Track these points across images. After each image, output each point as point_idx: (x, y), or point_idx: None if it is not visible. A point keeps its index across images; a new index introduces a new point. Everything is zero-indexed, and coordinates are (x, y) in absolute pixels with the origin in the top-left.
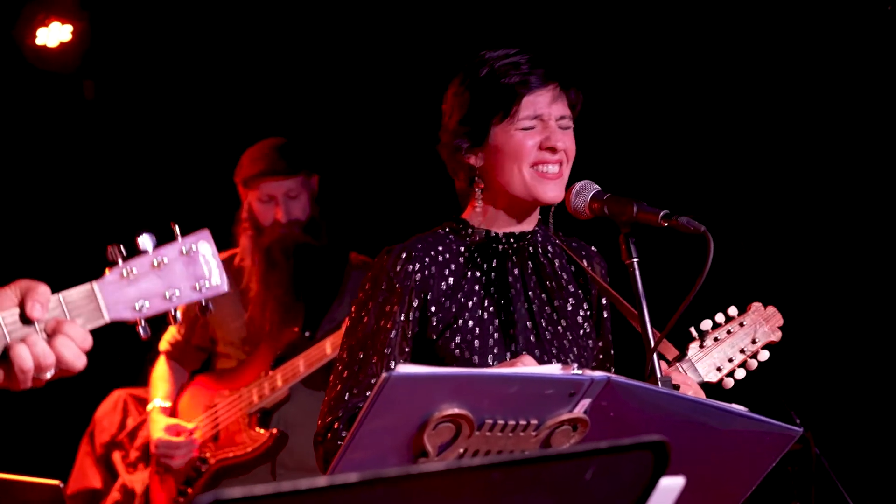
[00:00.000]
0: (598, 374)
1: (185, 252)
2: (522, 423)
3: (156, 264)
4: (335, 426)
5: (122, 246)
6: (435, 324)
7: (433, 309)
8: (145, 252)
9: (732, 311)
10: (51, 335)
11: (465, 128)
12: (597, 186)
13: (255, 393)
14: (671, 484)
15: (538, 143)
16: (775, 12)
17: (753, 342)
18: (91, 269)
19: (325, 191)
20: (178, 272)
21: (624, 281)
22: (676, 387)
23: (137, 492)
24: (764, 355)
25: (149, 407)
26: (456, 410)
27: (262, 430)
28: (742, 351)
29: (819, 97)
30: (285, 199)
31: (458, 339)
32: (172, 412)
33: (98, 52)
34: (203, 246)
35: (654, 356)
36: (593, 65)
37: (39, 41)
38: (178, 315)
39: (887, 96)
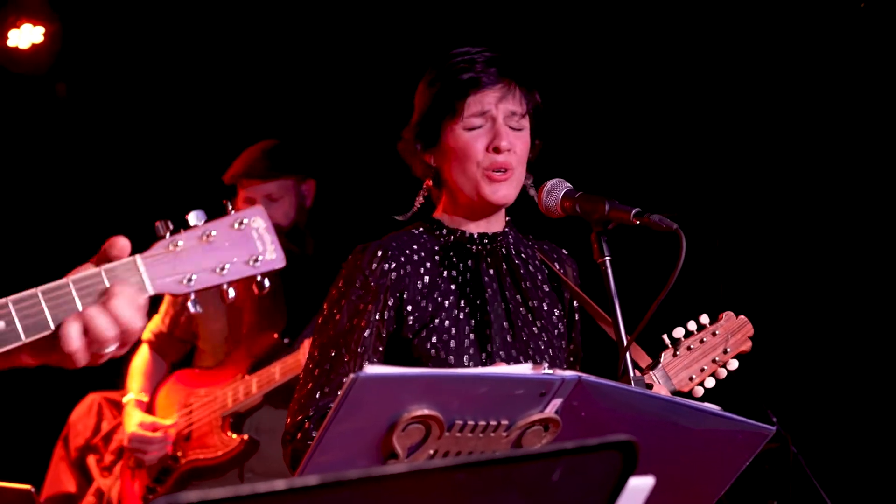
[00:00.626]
0: (569, 373)
1: (236, 227)
2: (493, 423)
3: (204, 238)
4: (305, 426)
5: (169, 221)
6: (411, 323)
7: (409, 308)
8: (193, 227)
9: (704, 319)
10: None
11: (418, 128)
12: (568, 185)
13: (229, 396)
14: (641, 484)
15: (486, 145)
16: (746, 9)
17: (725, 352)
18: (68, 267)
19: (324, 197)
20: (229, 246)
21: (597, 280)
22: (650, 386)
23: (112, 496)
24: (733, 364)
25: (125, 399)
26: (425, 411)
27: (233, 435)
28: (714, 360)
29: (796, 95)
30: (265, 201)
31: (434, 339)
32: (149, 405)
33: (70, 54)
34: (256, 221)
35: (627, 355)
36: (564, 64)
37: (11, 43)
38: (232, 291)
39: (862, 95)
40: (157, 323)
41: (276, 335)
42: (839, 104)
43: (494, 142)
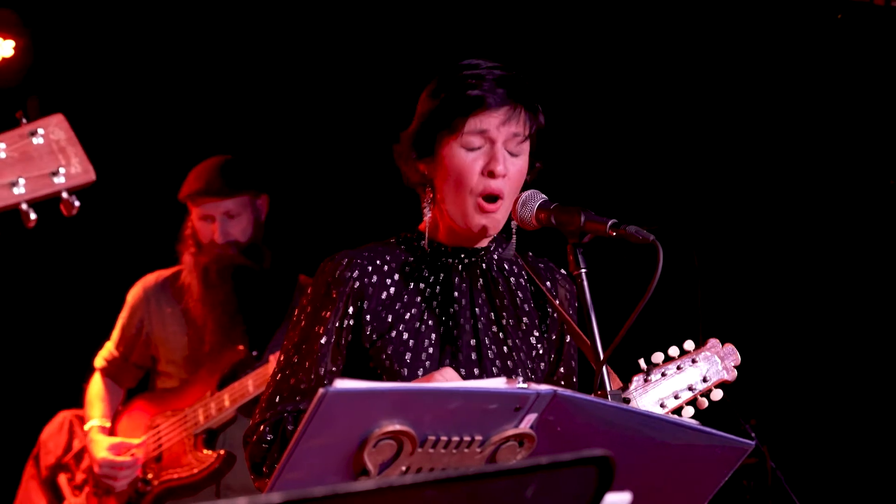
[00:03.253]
0: (544, 387)
1: (31, 139)
2: (467, 438)
3: None
4: (261, 428)
5: None
6: (369, 332)
7: (368, 318)
8: None
9: (689, 345)
10: None
11: (417, 136)
12: (543, 196)
13: (200, 413)
14: (617, 500)
15: (482, 168)
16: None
17: (704, 380)
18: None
19: (277, 212)
20: (22, 160)
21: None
22: (627, 401)
23: None
24: (717, 395)
25: (87, 426)
26: (397, 427)
27: (209, 451)
28: (690, 388)
29: (775, 110)
30: (223, 218)
31: (389, 350)
32: (111, 433)
33: (42, 68)
34: (55, 132)
35: (604, 369)
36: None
37: None
38: (33, 214)
39: (839, 108)
40: (111, 349)
41: (242, 348)
42: (818, 118)
43: (490, 165)
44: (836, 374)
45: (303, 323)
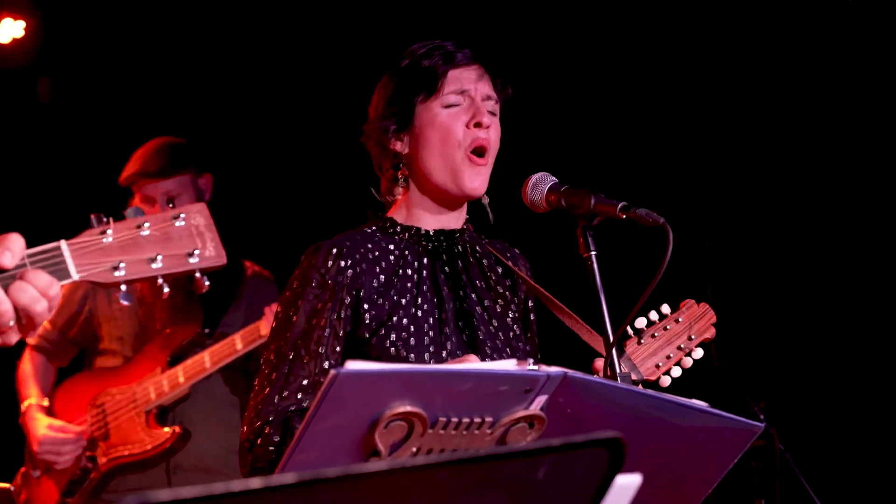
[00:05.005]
0: (554, 369)
1: (174, 221)
2: (477, 420)
3: (136, 230)
4: (266, 430)
5: (103, 215)
6: (368, 321)
7: (366, 306)
8: (127, 219)
9: (666, 308)
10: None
11: (392, 108)
12: (553, 178)
13: (152, 390)
14: (628, 482)
15: (465, 123)
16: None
17: (690, 339)
18: None
19: (221, 193)
20: (163, 239)
21: (582, 275)
22: (636, 382)
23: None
24: (698, 353)
25: (24, 405)
26: (408, 408)
27: (165, 429)
28: (679, 348)
29: (786, 94)
30: (163, 199)
31: (393, 337)
32: (49, 412)
33: (53, 49)
34: (196, 217)
35: (614, 352)
36: (554, 60)
37: None
38: (166, 287)
39: (850, 93)
40: (46, 325)
41: (197, 327)
42: (828, 102)
43: (476, 118)
44: (845, 357)
45: (294, 318)
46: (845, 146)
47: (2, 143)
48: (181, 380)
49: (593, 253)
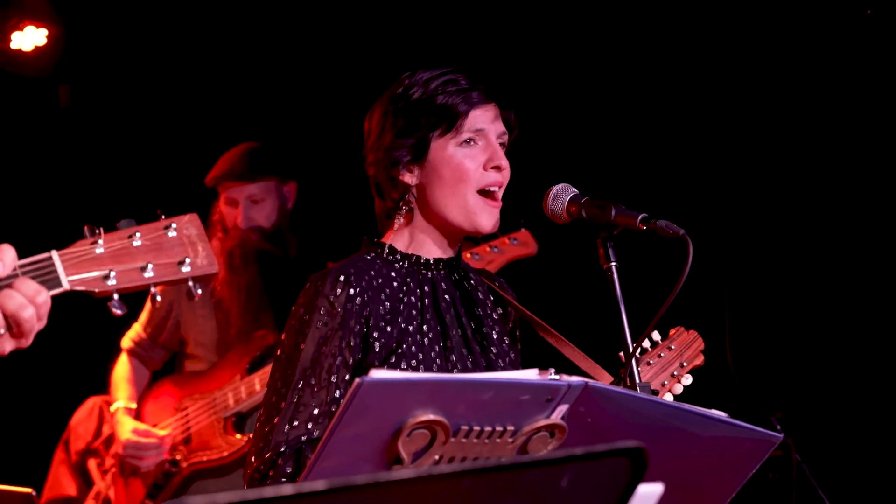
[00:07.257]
0: (575, 379)
1: (165, 231)
2: (499, 429)
3: (128, 240)
4: (278, 462)
5: (97, 227)
6: (378, 349)
7: (375, 334)
8: (118, 230)
9: (656, 336)
10: None
11: (405, 141)
12: (574, 190)
13: (230, 397)
14: (649, 491)
15: (481, 164)
16: (750, 16)
17: (682, 366)
18: None
19: (306, 200)
20: (154, 248)
21: (602, 285)
22: (655, 392)
23: (112, 499)
24: (688, 380)
25: (113, 408)
26: (431, 416)
27: (239, 436)
28: (672, 375)
29: (804, 103)
30: (247, 203)
31: (403, 365)
32: (137, 415)
33: (73, 56)
34: (188, 228)
35: (633, 362)
36: (572, 70)
37: (14, 45)
38: (158, 296)
39: (865, 101)
40: (138, 331)
41: (264, 332)
42: (846, 111)
43: (493, 160)
44: (861, 367)
45: (302, 346)
46: (866, 153)
47: (23, 148)
48: (258, 387)
49: (614, 264)
